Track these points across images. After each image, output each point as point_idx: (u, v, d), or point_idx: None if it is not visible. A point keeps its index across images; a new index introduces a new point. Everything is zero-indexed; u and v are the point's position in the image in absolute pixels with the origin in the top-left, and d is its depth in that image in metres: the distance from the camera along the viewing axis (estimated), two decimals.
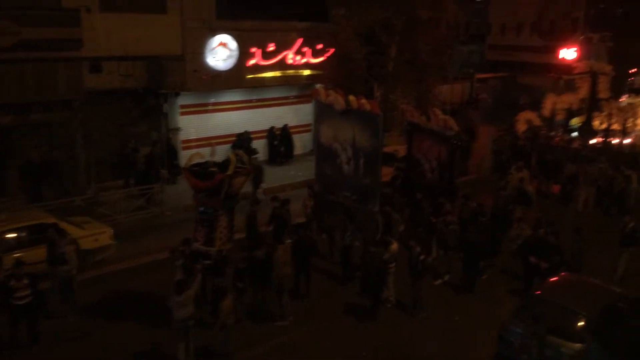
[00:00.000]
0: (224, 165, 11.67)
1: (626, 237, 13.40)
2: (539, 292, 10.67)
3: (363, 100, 14.07)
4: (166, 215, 16.38)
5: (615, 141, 22.55)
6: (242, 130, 20.63)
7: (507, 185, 16.62)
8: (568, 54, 27.79)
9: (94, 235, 13.18)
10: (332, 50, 21.17)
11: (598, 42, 29.69)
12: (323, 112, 15.41)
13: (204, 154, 12.41)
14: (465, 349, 10.84)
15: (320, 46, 21.29)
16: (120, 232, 15.06)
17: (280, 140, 21.76)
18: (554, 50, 28.48)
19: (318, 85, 21.18)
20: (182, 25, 18.16)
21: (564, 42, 28.22)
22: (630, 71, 30.22)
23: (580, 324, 9.75)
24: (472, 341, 11.03)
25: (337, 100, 14.51)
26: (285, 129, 21.82)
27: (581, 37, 28.19)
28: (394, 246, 12.08)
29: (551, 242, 12.36)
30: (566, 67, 26.81)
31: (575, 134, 23.19)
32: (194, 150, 15.16)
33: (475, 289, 12.80)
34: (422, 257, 11.60)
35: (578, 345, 9.51)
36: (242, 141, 20.17)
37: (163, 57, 18.00)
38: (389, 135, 22.32)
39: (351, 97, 14.32)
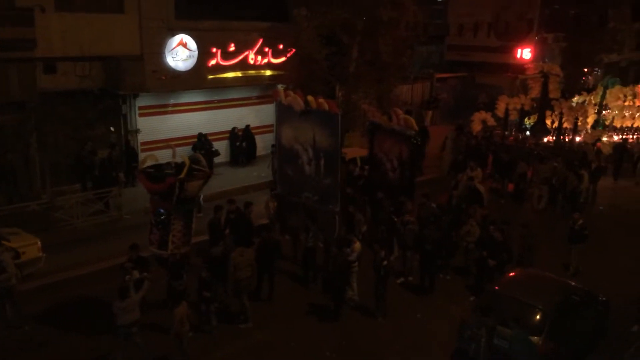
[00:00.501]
0: (181, 167, 11.55)
1: (575, 234, 13.76)
2: (497, 287, 10.91)
3: (321, 100, 14.14)
4: (125, 219, 16.08)
5: (566, 140, 23.07)
6: (202, 132, 20.41)
7: (459, 185, 16.91)
8: (524, 54, 28.56)
9: (21, 248, 12.50)
10: (293, 51, 21.16)
11: (552, 42, 30.57)
12: (283, 113, 15.38)
13: (158, 157, 12.24)
14: (428, 346, 11.01)
15: (281, 46, 21.25)
16: (78, 237, 14.77)
17: (242, 141, 21.64)
18: (510, 50, 29.22)
19: (279, 86, 21.23)
20: (140, 25, 17.83)
21: (520, 42, 28.98)
22: (584, 70, 31.13)
23: (537, 317, 10.03)
24: (434, 337, 11.21)
25: (296, 100, 14.53)
26: (247, 129, 21.72)
27: (536, 38, 28.98)
28: (357, 245, 12.17)
29: (498, 240, 12.45)
30: (519, 67, 27.43)
31: (528, 133, 23.69)
32: (150, 153, 14.87)
33: (435, 287, 12.94)
34: (385, 262, 11.66)
35: (536, 338, 9.76)
36: (202, 143, 19.97)
37: (121, 57, 17.66)
38: (351, 136, 22.47)
39: (310, 97, 14.36)
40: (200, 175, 11.66)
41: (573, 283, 11.49)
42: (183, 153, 18.93)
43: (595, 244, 15.38)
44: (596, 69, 32.83)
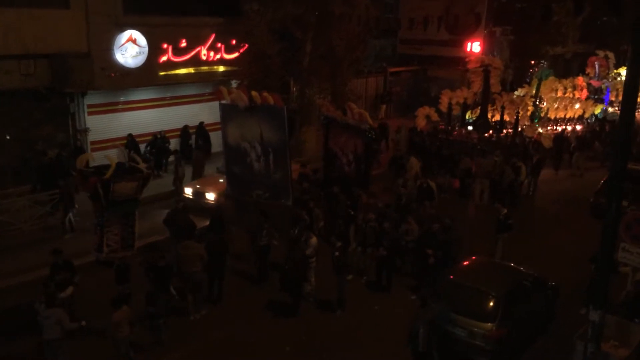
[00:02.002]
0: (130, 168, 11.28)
1: (500, 224, 14.04)
2: (451, 276, 11.16)
3: (265, 94, 14.10)
4: (75, 221, 15.60)
5: (508, 133, 23.35)
6: (159, 130, 20.05)
7: (407, 183, 17.04)
8: (473, 47, 29.14)
9: None
10: (246, 46, 20.97)
11: (500, 35, 31.32)
12: (227, 112, 15.19)
13: (94, 156, 11.88)
14: (386, 337, 11.14)
15: (234, 42, 21.03)
16: (24, 241, 14.26)
17: (197, 139, 21.35)
18: (460, 43, 29.76)
19: (233, 83, 21.03)
20: (87, 21, 17.26)
21: (469, 36, 29.57)
22: (531, 62, 32.02)
23: (491, 304, 10.31)
24: (392, 329, 11.35)
25: (240, 96, 14.41)
26: (201, 126, 21.44)
27: (485, 31, 29.61)
28: (314, 240, 12.22)
29: (438, 238, 12.42)
30: (461, 61, 27.36)
31: (470, 127, 23.62)
32: (91, 153, 14.47)
33: (392, 285, 12.97)
34: (336, 253, 11.76)
35: (489, 325, 10.05)
36: (155, 142, 19.58)
37: (67, 54, 17.14)
38: (307, 130, 22.49)
39: (254, 93, 14.28)
40: (135, 178, 11.21)
41: (524, 270, 11.84)
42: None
43: (538, 233, 16.09)
44: (542, 61, 33.86)
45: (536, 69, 27.38)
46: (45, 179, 16.45)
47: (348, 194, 14.75)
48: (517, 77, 29.81)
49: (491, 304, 10.27)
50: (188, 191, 17.11)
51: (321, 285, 12.29)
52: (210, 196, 16.58)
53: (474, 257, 12.34)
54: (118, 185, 10.88)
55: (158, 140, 19.81)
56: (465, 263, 11.86)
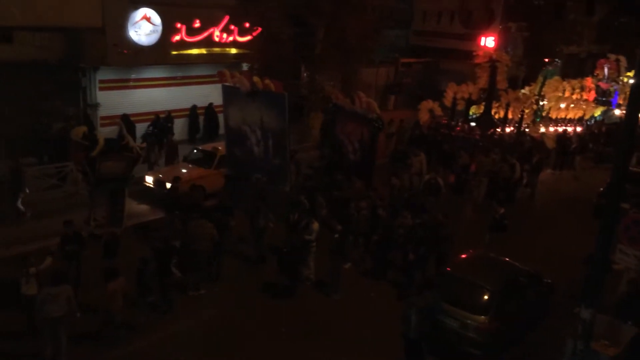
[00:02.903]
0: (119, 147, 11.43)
1: (495, 223, 14.02)
2: (448, 268, 11.29)
3: (267, 81, 14.18)
4: (81, 194, 15.76)
5: (512, 131, 23.15)
6: (166, 108, 20.17)
7: (412, 178, 16.98)
8: (487, 42, 28.96)
9: None
10: (259, 30, 21.03)
11: (515, 31, 31.13)
12: (230, 94, 15.31)
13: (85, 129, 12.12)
14: (380, 323, 11.28)
15: (247, 25, 21.09)
16: (31, 211, 14.48)
17: (205, 119, 21.50)
18: (474, 37, 29.56)
19: (244, 65, 21.11)
20: None
21: (484, 30, 29.38)
22: (545, 60, 31.83)
23: (485, 297, 10.44)
24: (387, 315, 11.50)
25: (242, 82, 14.51)
26: (209, 107, 21.55)
27: (499, 27, 29.43)
28: (316, 225, 12.35)
29: (420, 234, 12.33)
30: (466, 55, 26.68)
31: (473, 124, 23.39)
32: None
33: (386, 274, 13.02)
34: (336, 235, 11.93)
35: (482, 318, 10.18)
36: (157, 121, 19.52)
37: (82, 29, 17.30)
38: (315, 116, 22.57)
39: (256, 78, 14.39)
40: (123, 157, 11.39)
41: (520, 265, 11.93)
42: (141, 129, 18.92)
43: (536, 232, 16.16)
44: (556, 59, 33.65)
45: (549, 67, 27.17)
46: (52, 152, 16.71)
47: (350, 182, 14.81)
48: (530, 74, 29.64)
49: (486, 297, 10.39)
50: (149, 180, 16.26)
51: (319, 270, 12.45)
52: (169, 185, 15.26)
53: (471, 251, 12.44)
54: (105, 164, 11.15)
55: (161, 120, 19.78)
56: (462, 256, 11.96)
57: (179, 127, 21.08)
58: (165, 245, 10.97)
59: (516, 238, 14.96)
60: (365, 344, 10.70)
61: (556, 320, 11.47)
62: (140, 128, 19.18)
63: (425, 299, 9.77)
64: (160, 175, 16.13)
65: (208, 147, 17.77)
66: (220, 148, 16.98)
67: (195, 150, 17.82)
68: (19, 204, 14.07)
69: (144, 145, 17.87)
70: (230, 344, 10.36)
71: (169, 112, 20.23)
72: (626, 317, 10.18)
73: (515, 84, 28.88)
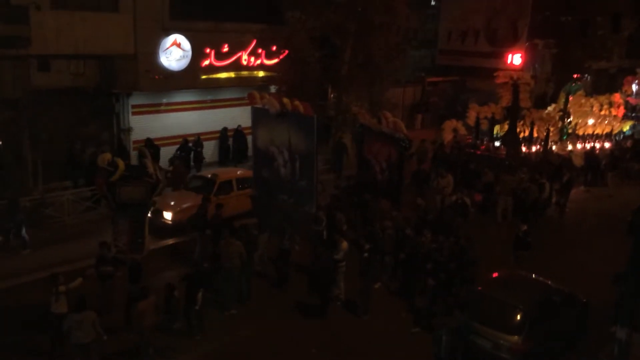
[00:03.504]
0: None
1: (518, 241, 13.83)
2: (479, 287, 11.18)
3: (297, 102, 14.34)
4: None
5: (539, 150, 22.71)
6: (195, 132, 20.56)
7: (445, 199, 16.78)
8: (514, 59, 28.83)
9: None
10: (286, 52, 21.37)
11: (543, 48, 30.94)
12: (259, 115, 15.53)
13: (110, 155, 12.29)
14: (411, 344, 11.23)
15: (274, 48, 21.46)
16: (68, 233, 14.86)
17: (233, 142, 21.81)
18: (501, 55, 29.50)
19: (274, 88, 21.42)
20: (135, 25, 17.99)
21: (511, 48, 29.28)
22: (574, 76, 31.46)
23: (518, 317, 10.29)
24: (417, 337, 11.44)
25: (271, 103, 14.69)
26: (238, 130, 21.87)
27: (526, 44, 29.29)
28: (345, 244, 12.39)
29: (438, 259, 12.01)
30: (493, 73, 26.14)
31: (497, 143, 22.99)
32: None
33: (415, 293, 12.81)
34: (365, 255, 11.93)
35: (515, 338, 10.03)
36: (187, 144, 19.87)
37: (115, 56, 17.86)
38: (342, 137, 22.69)
39: (285, 100, 14.54)
40: (142, 183, 11.45)
41: (554, 284, 11.73)
42: (169, 153, 19.01)
43: (568, 251, 15.90)
44: (586, 75, 33.25)
45: (572, 84, 26.73)
46: (87, 175, 17.17)
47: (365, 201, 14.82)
48: (557, 90, 29.32)
49: (518, 316, 10.25)
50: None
51: (349, 290, 12.43)
52: (168, 215, 15.36)
53: (503, 269, 12.29)
54: (124, 189, 11.28)
55: (188, 145, 20.09)
56: (494, 275, 11.84)
57: (210, 149, 21.41)
58: (195, 270, 11.07)
59: (548, 257, 14.75)
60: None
61: (593, 340, 11.22)
62: (171, 151, 19.59)
63: (456, 319, 9.71)
64: (157, 204, 14.66)
65: (207, 173, 17.54)
66: (219, 174, 16.86)
67: (194, 177, 17.67)
68: (24, 233, 14.06)
69: (172, 168, 18.09)
70: None
71: (199, 135, 20.63)
72: None
73: (543, 100, 28.59)
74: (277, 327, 11.59)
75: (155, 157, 18.53)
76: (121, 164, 11.52)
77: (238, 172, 17.66)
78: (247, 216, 15.39)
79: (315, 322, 11.88)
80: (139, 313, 9.75)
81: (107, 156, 12.09)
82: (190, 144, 20.18)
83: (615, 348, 8.37)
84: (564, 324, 10.99)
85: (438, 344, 9.53)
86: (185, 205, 15.49)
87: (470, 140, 22.93)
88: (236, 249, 11.77)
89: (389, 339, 11.37)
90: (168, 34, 18.66)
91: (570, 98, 25.76)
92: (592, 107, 26.12)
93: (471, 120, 23.01)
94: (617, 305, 10.72)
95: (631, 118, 27.95)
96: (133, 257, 11.59)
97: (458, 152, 21.55)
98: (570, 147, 22.91)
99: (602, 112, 26.42)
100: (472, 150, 22.07)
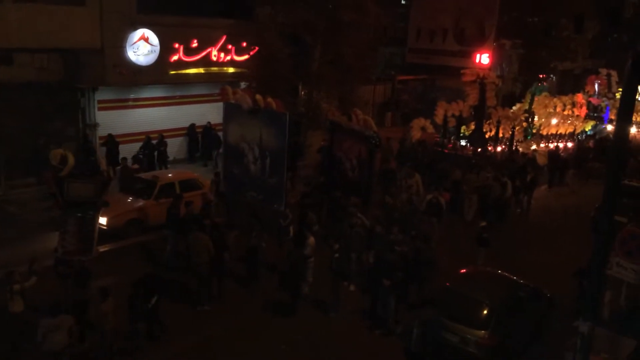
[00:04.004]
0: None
1: (477, 238, 14.14)
2: (447, 283, 11.32)
3: (269, 99, 14.29)
4: None
5: (504, 149, 22.98)
6: (161, 128, 20.25)
7: (412, 198, 16.61)
8: (482, 59, 29.25)
9: None
10: (256, 49, 21.24)
11: (510, 48, 31.46)
12: (230, 111, 15.44)
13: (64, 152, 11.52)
14: (382, 339, 11.30)
15: (244, 44, 21.30)
16: (31, 231, 14.48)
17: (202, 139, 21.55)
18: (469, 55, 29.89)
19: (244, 84, 21.27)
20: (101, 18, 17.60)
21: (479, 47, 29.70)
22: (540, 76, 32.08)
23: (484, 312, 10.45)
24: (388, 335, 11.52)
25: (244, 99, 14.62)
26: (207, 126, 21.61)
27: (494, 44, 29.75)
28: (312, 240, 12.39)
29: (392, 259, 11.61)
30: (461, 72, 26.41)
31: (463, 142, 23.26)
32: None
33: None
34: (336, 255, 11.94)
35: (482, 332, 10.19)
36: (149, 143, 19.46)
37: (81, 50, 17.47)
38: (313, 134, 22.70)
39: (258, 96, 14.50)
40: (93, 180, 10.85)
41: (521, 280, 11.95)
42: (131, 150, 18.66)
43: (533, 247, 16.24)
44: (551, 75, 33.97)
45: (538, 84, 27.22)
46: None
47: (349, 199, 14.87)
48: (525, 90, 29.90)
49: (485, 311, 10.42)
50: None
51: (318, 287, 12.44)
52: (103, 220, 13.91)
53: (470, 266, 12.47)
54: (73, 185, 10.57)
55: (151, 142, 19.56)
56: (461, 271, 12.00)
57: (176, 146, 21.12)
58: (148, 276, 10.69)
59: (513, 254, 15.06)
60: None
61: (557, 334, 11.48)
62: (131, 148, 19.20)
63: (426, 313, 9.81)
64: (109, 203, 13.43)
65: (148, 175, 16.48)
66: (160, 177, 16.02)
67: (136, 179, 16.53)
68: None
69: (120, 168, 17.55)
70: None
71: (162, 134, 19.94)
72: (625, 331, 10.21)
73: (511, 100, 29.10)
74: (246, 324, 11.52)
75: (115, 153, 18.33)
76: (71, 159, 10.81)
77: (184, 174, 16.88)
78: None
79: (285, 319, 11.84)
80: (102, 314, 9.50)
81: (59, 151, 11.28)
82: (154, 142, 19.72)
83: (578, 341, 8.54)
84: (529, 318, 11.24)
85: (409, 337, 9.61)
86: (121, 210, 14.76)
87: (437, 139, 23.11)
88: (204, 244, 11.68)
89: (358, 336, 11.40)
90: (135, 28, 18.29)
91: (536, 99, 26.27)
92: (555, 107, 26.69)
93: (439, 119, 23.14)
94: (580, 300, 10.99)
95: (593, 118, 28.61)
96: (80, 259, 10.88)
97: (423, 151, 21.67)
98: (534, 146, 23.30)
99: (565, 112, 27.02)
100: (439, 149, 22.24)
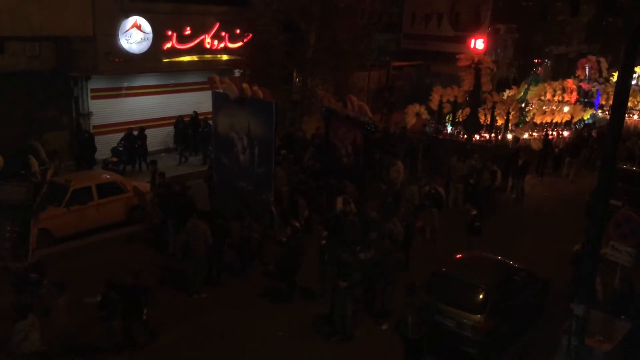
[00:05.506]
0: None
1: (469, 227, 13.85)
2: (443, 268, 11.36)
3: (256, 88, 14.20)
4: None
5: (494, 135, 22.55)
6: (150, 117, 20.10)
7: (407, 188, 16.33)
8: (477, 44, 29.08)
9: None
10: (250, 36, 21.09)
11: (505, 33, 31.30)
12: (219, 100, 15.32)
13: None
14: (378, 326, 11.38)
15: (238, 31, 21.14)
16: None
17: (192, 128, 21.16)
18: (464, 40, 29.70)
19: (238, 71, 21.15)
20: (93, 5, 17.43)
21: (474, 32, 29.54)
22: (535, 61, 31.96)
23: (480, 296, 10.52)
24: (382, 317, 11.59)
25: (230, 88, 14.51)
26: (193, 116, 20.98)
27: (488, 28, 29.60)
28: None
29: (347, 259, 11.18)
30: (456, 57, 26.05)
31: (449, 128, 22.81)
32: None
33: None
34: (322, 242, 11.95)
35: (478, 316, 10.26)
36: (129, 137, 18.69)
37: (73, 38, 17.31)
38: (309, 120, 22.63)
39: (244, 85, 14.39)
40: (23, 182, 10.40)
41: (516, 264, 12.01)
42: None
43: (528, 233, 16.29)
44: (546, 60, 33.86)
45: (539, 68, 26.94)
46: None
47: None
48: (520, 75, 29.80)
49: (480, 296, 10.48)
50: None
51: (305, 273, 12.34)
52: None
53: (465, 251, 12.52)
54: (3, 188, 10.09)
55: (132, 135, 18.78)
56: (457, 256, 12.05)
57: (167, 135, 21.04)
58: (134, 282, 9.80)
59: (507, 240, 15.04)
60: (359, 341, 10.79)
61: (553, 317, 11.55)
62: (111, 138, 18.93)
63: (421, 299, 9.85)
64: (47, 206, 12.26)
65: (60, 179, 14.04)
66: (73, 180, 14.09)
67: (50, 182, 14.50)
68: None
69: (114, 159, 17.39)
70: (230, 347, 10.41)
71: (143, 126, 19.18)
72: (620, 313, 10.29)
73: (506, 85, 28.99)
74: (243, 312, 11.57)
75: (89, 146, 17.83)
76: (0, 160, 10.45)
77: (102, 177, 15.20)
78: (114, 228, 14.12)
79: (280, 306, 11.90)
80: (58, 309, 9.11)
81: None
82: (136, 133, 18.87)
83: (573, 324, 8.61)
84: (524, 302, 11.31)
85: (404, 324, 9.65)
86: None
87: (433, 125, 23.00)
88: (202, 232, 11.70)
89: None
90: (128, 16, 18.14)
91: (531, 89, 26.15)
92: (545, 92, 26.47)
93: (434, 104, 22.96)
94: (575, 283, 11.04)
95: (583, 103, 28.34)
96: (15, 266, 10.26)
97: (418, 136, 21.54)
98: (526, 135, 23.06)
99: (555, 98, 26.78)
100: (434, 135, 22.17)
